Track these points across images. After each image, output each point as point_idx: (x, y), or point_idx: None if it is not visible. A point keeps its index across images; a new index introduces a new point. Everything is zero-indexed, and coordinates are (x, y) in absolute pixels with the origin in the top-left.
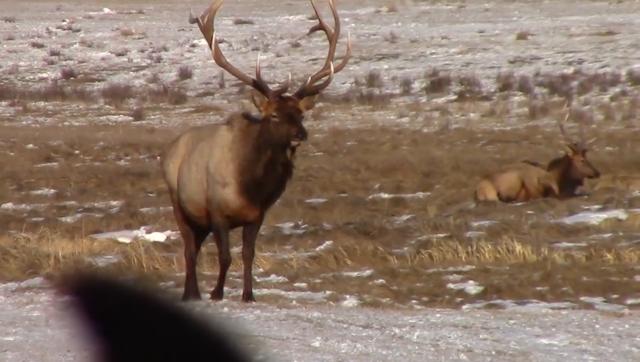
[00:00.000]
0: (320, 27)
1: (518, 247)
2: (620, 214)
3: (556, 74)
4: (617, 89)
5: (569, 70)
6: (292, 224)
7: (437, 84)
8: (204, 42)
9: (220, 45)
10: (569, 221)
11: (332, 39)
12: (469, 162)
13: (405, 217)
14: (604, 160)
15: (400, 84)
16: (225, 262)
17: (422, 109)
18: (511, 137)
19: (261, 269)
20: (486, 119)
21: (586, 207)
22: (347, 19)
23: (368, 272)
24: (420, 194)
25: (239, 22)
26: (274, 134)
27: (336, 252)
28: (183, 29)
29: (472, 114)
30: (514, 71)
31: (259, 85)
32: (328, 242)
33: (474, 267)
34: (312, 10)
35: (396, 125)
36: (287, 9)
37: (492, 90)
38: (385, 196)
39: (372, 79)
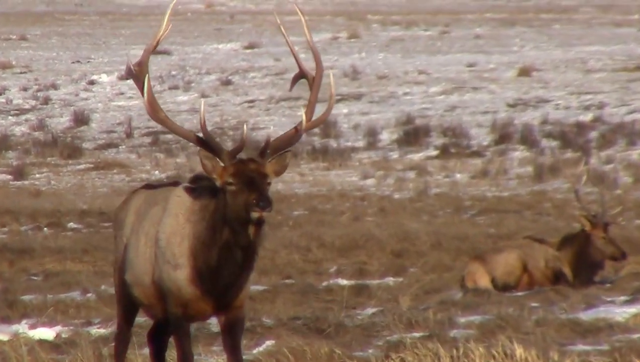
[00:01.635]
0: (301, 74)
1: (519, 351)
2: None
3: (570, 122)
4: None
5: (587, 117)
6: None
7: (412, 135)
8: (105, 77)
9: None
10: (586, 316)
11: (314, 84)
12: (454, 238)
13: (370, 311)
14: (632, 237)
15: (364, 135)
16: None
17: (393, 168)
18: (510, 205)
19: None
20: (477, 182)
21: (609, 299)
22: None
23: None
24: (390, 280)
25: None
26: (230, 206)
27: (280, 356)
28: (78, 61)
29: (458, 175)
30: (514, 118)
31: (207, 144)
32: (269, 343)
33: None
34: (249, 36)
35: (359, 189)
36: (216, 36)
37: (486, 143)
38: (344, 282)
39: (328, 128)
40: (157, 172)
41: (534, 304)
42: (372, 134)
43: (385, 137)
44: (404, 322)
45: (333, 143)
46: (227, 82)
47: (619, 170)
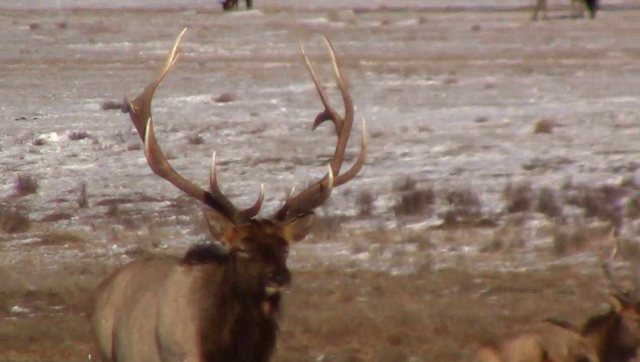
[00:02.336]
0: (327, 114)
1: None
2: None
3: (596, 186)
4: None
5: (616, 180)
6: None
7: (412, 202)
8: (55, 136)
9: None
10: None
11: (343, 130)
12: (462, 321)
13: None
14: None
15: (356, 202)
16: None
17: (390, 240)
18: (527, 282)
19: None
20: (488, 255)
21: None
22: (273, 100)
23: None
24: None
25: (109, 107)
26: (242, 277)
27: None
28: (24, 118)
29: (466, 248)
30: (531, 181)
31: (217, 203)
32: None
33: None
34: (221, 87)
35: (350, 265)
36: (183, 86)
37: (498, 210)
38: None
39: None
40: (114, 246)
41: None
42: (365, 201)
43: (381, 204)
44: None
45: (320, 211)
46: (196, 141)
47: None
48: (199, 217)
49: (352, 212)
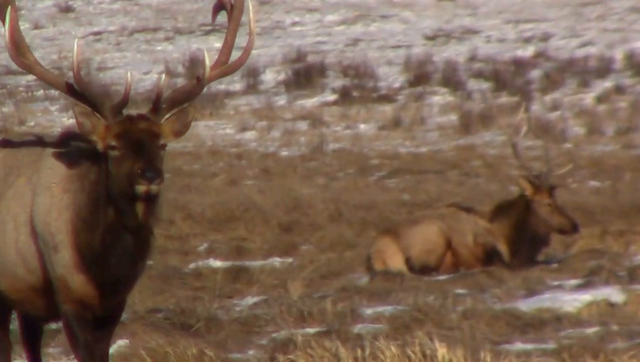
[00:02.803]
0: (221, 4)
1: (441, 352)
2: (614, 293)
3: (505, 58)
4: (606, 83)
5: (527, 52)
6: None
7: (304, 76)
8: None
9: None
10: (526, 306)
11: (232, 16)
12: (358, 206)
13: (250, 301)
14: (585, 204)
15: (242, 75)
16: None
17: (280, 118)
18: (430, 164)
19: None
20: (387, 134)
21: (556, 283)
22: None
23: None
24: (276, 261)
25: None
26: (113, 177)
27: (135, 359)
28: None
29: (362, 126)
30: (433, 53)
31: (83, 95)
32: (121, 342)
33: None
34: None
35: (236, 145)
36: None
37: (397, 85)
38: (218, 264)
39: (194, 66)
40: None
41: (460, 291)
42: (252, 75)
43: (269, 78)
44: (294, 315)
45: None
46: (66, 9)
47: (568, 118)
48: None
49: (237, 87)
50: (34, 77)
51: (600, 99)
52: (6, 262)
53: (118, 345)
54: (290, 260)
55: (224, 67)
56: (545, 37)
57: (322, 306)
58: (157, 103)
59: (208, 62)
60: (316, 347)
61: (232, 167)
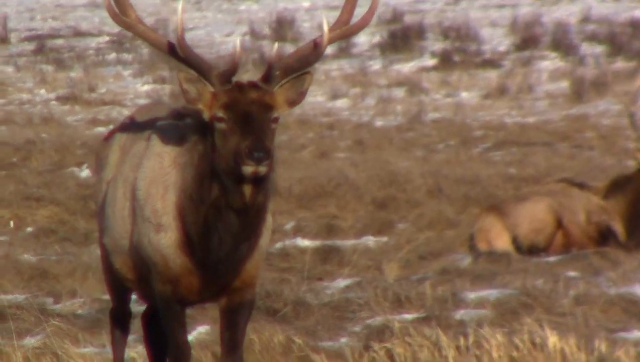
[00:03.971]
0: None
1: (552, 340)
2: None
3: (621, 19)
4: None
5: None
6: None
7: (400, 38)
8: None
9: None
10: None
11: None
12: (460, 181)
13: (342, 283)
14: None
15: None
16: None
17: (374, 84)
18: (538, 135)
19: None
20: (491, 103)
21: None
22: None
23: None
24: (370, 240)
25: None
26: (218, 152)
27: (216, 347)
28: None
29: (465, 94)
30: (542, 13)
31: (189, 59)
32: (201, 329)
33: None
34: None
35: (326, 114)
36: None
37: (503, 48)
38: (306, 242)
39: (281, 27)
40: (43, 90)
41: (571, 274)
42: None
43: (363, 40)
44: (389, 299)
45: (290, 49)
46: None
47: None
48: (143, 56)
49: (328, 50)
50: (107, 38)
51: None
52: (117, 236)
53: (198, 331)
54: (385, 239)
55: (345, 29)
56: None
57: (421, 289)
58: (270, 71)
59: (326, 24)
60: (414, 334)
61: (323, 138)
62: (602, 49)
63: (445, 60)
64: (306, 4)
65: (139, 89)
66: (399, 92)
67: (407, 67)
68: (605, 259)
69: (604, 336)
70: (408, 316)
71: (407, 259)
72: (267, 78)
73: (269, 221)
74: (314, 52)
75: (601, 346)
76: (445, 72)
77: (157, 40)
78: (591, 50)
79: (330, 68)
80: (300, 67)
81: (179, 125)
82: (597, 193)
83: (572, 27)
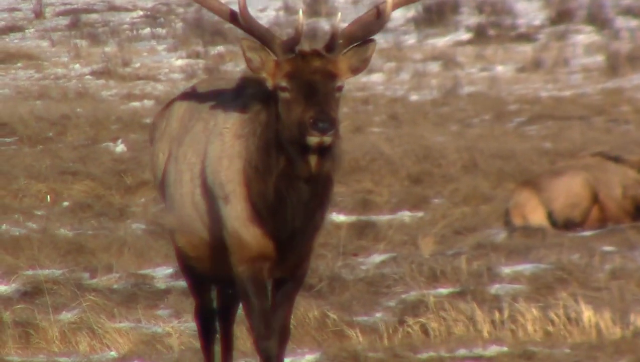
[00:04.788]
0: None
1: (587, 314)
2: None
3: None
4: None
5: None
6: (170, 271)
7: (435, 12)
8: None
9: None
10: None
11: None
12: (495, 155)
13: (378, 258)
14: None
15: (368, 10)
16: (265, 351)
17: (409, 58)
18: (573, 109)
19: (114, 354)
20: (527, 77)
21: None
22: None
23: (310, 357)
24: (406, 215)
25: None
26: (283, 122)
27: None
28: None
29: (500, 68)
30: None
31: (252, 28)
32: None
33: (505, 350)
34: None
35: (361, 88)
36: None
37: (537, 22)
38: (342, 218)
39: (316, 2)
40: (77, 65)
41: (607, 248)
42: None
43: (397, 14)
44: (425, 274)
45: (324, 24)
46: None
47: None
48: (177, 30)
49: None
50: (142, 13)
51: None
52: (183, 216)
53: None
54: (420, 214)
55: None
56: None
57: (456, 264)
58: (333, 41)
59: None
60: (450, 309)
61: (357, 112)
62: (637, 22)
63: (480, 35)
64: None
65: (173, 63)
66: (434, 67)
67: (441, 42)
68: None
69: None
70: (443, 291)
71: (443, 234)
72: (331, 46)
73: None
74: (378, 19)
75: (637, 320)
76: (480, 46)
77: (220, 9)
78: (626, 23)
79: None
80: (363, 35)
81: (239, 96)
82: (633, 166)
83: (607, 1)
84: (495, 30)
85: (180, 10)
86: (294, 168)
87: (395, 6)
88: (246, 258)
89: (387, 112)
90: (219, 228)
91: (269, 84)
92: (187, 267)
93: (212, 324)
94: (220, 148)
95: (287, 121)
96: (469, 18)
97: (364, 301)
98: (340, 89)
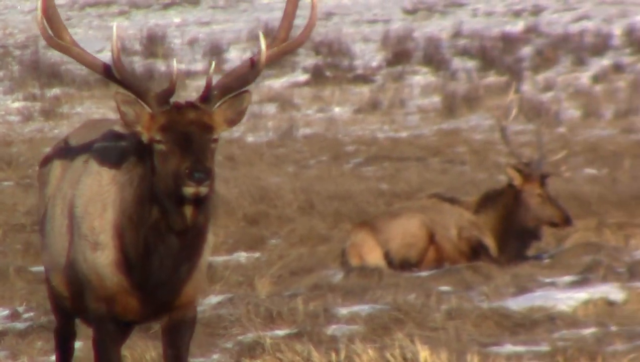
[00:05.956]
0: None
1: (424, 354)
2: (612, 291)
3: (493, 34)
4: (604, 61)
5: (517, 27)
6: (7, 312)
7: None
8: None
9: None
10: (516, 304)
11: None
12: (332, 197)
13: (214, 299)
14: (580, 194)
15: (204, 54)
16: None
17: None
18: (410, 150)
19: None
20: (364, 118)
21: (549, 280)
22: None
23: None
24: (242, 256)
25: None
26: (159, 175)
27: None
28: None
29: (337, 109)
30: (413, 29)
31: (126, 81)
32: (81, 343)
33: None
34: None
35: None
36: None
37: (375, 64)
38: None
39: (152, 43)
40: None
41: (443, 289)
42: (215, 53)
43: (234, 56)
44: (261, 315)
45: (161, 66)
46: None
47: (563, 99)
48: (14, 73)
49: (199, 66)
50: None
51: (597, 79)
52: (55, 255)
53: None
54: (257, 255)
55: (283, 46)
56: (537, 11)
57: (293, 305)
58: (208, 91)
59: (264, 42)
60: (286, 350)
61: None
62: (473, 63)
63: (317, 76)
64: (177, 20)
65: (10, 105)
66: (271, 108)
67: (278, 83)
68: (477, 273)
69: (476, 350)
70: (280, 332)
71: (279, 274)
72: (206, 98)
73: (210, 239)
74: (252, 70)
75: (474, 360)
76: (317, 87)
77: (93, 63)
78: (463, 65)
79: (201, 84)
80: (238, 86)
81: (117, 146)
82: (469, 208)
83: (444, 42)
84: (333, 71)
85: (17, 52)
86: (169, 220)
87: (270, 58)
88: (102, 297)
89: (223, 153)
90: (76, 265)
91: (144, 137)
92: (59, 307)
93: (69, 347)
94: (97, 188)
95: (163, 173)
96: (306, 59)
97: (200, 342)
98: (215, 140)
